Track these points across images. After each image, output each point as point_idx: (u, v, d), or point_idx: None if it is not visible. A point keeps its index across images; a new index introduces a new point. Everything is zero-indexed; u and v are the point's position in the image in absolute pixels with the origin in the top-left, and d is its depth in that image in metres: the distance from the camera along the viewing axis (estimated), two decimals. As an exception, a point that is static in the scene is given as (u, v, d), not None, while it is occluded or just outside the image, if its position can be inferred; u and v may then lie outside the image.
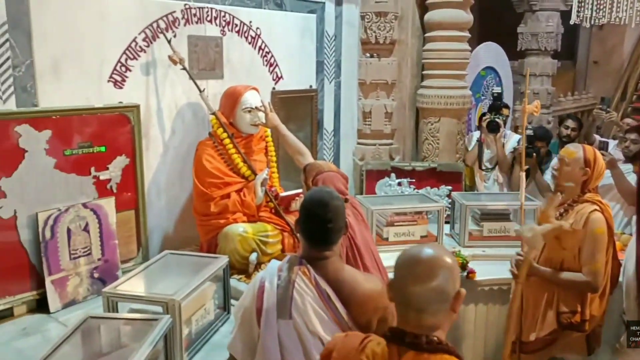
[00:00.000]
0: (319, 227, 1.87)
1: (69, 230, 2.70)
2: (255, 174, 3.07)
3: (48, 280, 2.62)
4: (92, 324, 2.07)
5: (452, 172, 4.33)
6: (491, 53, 6.16)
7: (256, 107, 3.10)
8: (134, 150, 2.97)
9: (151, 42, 3.00)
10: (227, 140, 3.05)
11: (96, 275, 2.83)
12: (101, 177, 2.85)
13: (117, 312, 2.26)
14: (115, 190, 2.92)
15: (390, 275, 1.55)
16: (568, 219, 2.68)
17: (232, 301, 2.66)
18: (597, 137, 5.02)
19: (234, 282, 2.82)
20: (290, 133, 3.16)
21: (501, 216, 3.79)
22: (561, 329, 2.73)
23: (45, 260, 2.62)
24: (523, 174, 2.63)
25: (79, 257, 2.76)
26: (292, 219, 3.14)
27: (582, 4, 3.22)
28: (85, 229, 2.78)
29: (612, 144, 4.75)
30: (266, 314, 1.84)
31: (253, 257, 2.90)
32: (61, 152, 2.67)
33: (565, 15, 7.92)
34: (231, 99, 3.09)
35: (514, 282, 2.82)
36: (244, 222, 2.99)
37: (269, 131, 3.31)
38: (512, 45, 6.55)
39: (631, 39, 9.29)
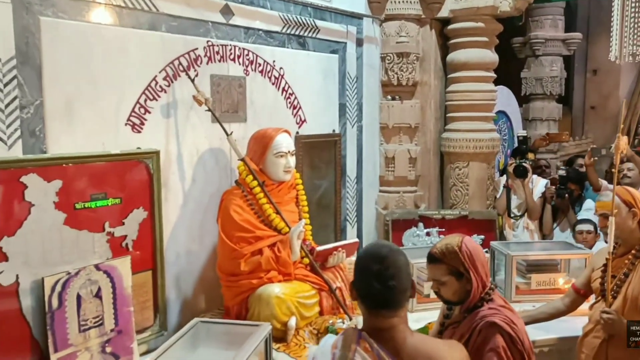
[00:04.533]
0: (378, 286, 1.56)
1: (79, 297, 2.31)
2: (289, 227, 2.72)
3: (54, 358, 2.21)
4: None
5: (485, 220, 4.03)
6: (503, 97, 6.02)
7: (289, 152, 2.78)
8: (152, 201, 2.62)
9: (172, 81, 2.69)
10: (258, 189, 2.71)
11: (108, 349, 2.42)
12: (116, 234, 2.48)
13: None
14: (131, 249, 2.55)
15: None
16: None
17: (274, 377, 2.26)
18: (604, 183, 4.81)
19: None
20: None
21: (549, 267, 3.47)
22: None
23: (51, 335, 2.22)
24: (612, 219, 2.32)
25: (90, 328, 2.35)
26: (329, 276, 2.79)
27: (627, 39, 3.06)
28: (97, 295, 2.39)
29: None
30: None
31: (292, 322, 2.52)
32: (72, 206, 2.30)
33: (566, 60, 7.95)
34: (261, 143, 2.77)
35: (586, 340, 2.50)
36: (279, 281, 2.61)
37: (299, 178, 2.99)
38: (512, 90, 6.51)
39: (626, 84, 9.33)
